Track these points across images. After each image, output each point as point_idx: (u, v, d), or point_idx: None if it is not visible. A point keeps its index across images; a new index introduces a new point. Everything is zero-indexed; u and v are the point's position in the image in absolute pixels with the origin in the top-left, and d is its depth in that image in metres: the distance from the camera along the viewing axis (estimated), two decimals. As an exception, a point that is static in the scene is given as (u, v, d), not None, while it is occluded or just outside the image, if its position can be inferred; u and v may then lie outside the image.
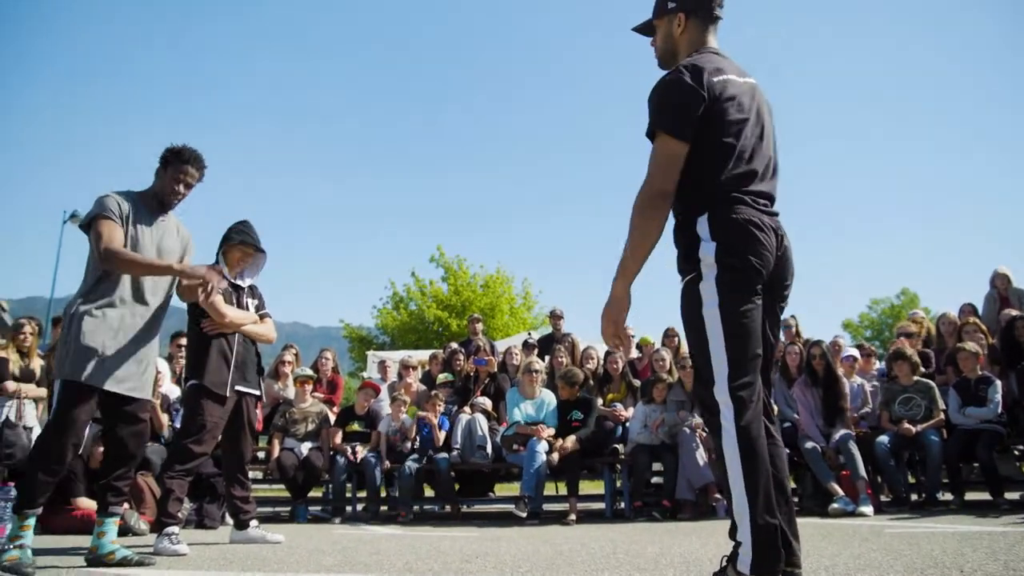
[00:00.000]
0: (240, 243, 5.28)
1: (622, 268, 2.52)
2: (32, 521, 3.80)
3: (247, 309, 5.28)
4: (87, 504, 6.35)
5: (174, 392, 7.68)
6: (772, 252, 2.49)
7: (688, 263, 2.53)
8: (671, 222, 2.60)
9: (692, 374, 7.17)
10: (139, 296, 4.17)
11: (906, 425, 6.79)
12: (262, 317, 5.39)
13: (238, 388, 5.13)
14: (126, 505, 6.46)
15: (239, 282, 5.31)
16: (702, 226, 2.48)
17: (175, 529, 4.72)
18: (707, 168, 2.50)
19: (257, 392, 5.37)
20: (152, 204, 4.34)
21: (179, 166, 4.31)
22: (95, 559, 4.01)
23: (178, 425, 6.12)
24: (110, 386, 3.96)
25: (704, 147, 2.50)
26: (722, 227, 2.46)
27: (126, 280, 4.12)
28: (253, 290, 5.46)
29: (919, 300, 43.00)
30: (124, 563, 3.96)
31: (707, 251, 2.45)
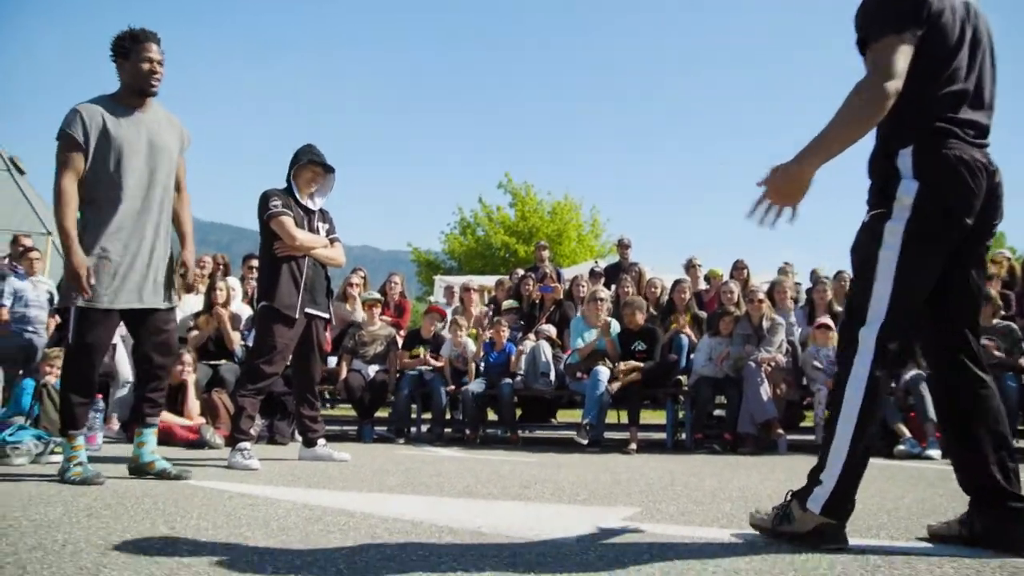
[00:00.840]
0: (309, 163, 5.32)
1: (818, 148, 2.27)
2: (82, 440, 3.95)
3: (318, 232, 5.34)
4: (168, 418, 6.60)
5: (245, 312, 7.91)
6: (980, 196, 2.29)
7: (880, 197, 2.36)
8: (859, 150, 2.36)
9: (761, 306, 7.14)
10: (134, 205, 3.98)
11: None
12: (332, 241, 5.46)
13: (308, 311, 5.22)
14: (202, 419, 6.77)
15: (310, 205, 5.36)
16: (904, 160, 2.30)
17: (247, 445, 4.91)
18: (917, 89, 2.28)
19: (326, 315, 5.45)
20: (131, 99, 4.06)
21: (141, 46, 4.00)
22: (136, 468, 4.16)
23: (250, 345, 6.29)
24: (120, 304, 3.92)
25: (918, 64, 2.28)
26: (928, 166, 2.27)
27: (117, 192, 3.94)
28: (324, 214, 5.50)
29: (1005, 239, 41.20)
30: (163, 475, 4.08)
31: (906, 191, 2.27)
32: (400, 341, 8.42)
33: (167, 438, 6.21)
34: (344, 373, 7.92)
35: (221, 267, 8.79)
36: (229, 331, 7.48)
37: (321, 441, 5.53)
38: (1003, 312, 6.98)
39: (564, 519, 3.01)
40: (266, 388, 5.29)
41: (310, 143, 5.44)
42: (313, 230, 5.31)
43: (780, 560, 2.27)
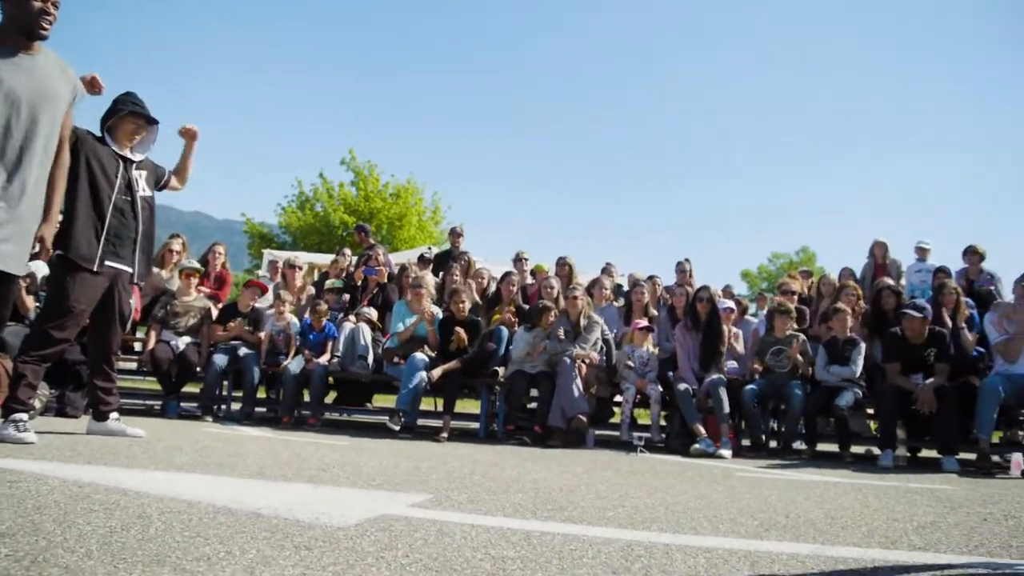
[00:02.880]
0: (130, 114, 4.93)
1: None
2: None
3: (136, 184, 4.94)
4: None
5: (42, 270, 7.31)
6: None
7: None
8: None
9: (578, 303, 7.36)
10: (11, 156, 3.61)
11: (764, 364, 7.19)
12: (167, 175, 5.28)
13: (108, 263, 4.75)
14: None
15: (128, 155, 4.95)
16: None
17: (23, 416, 4.42)
18: None
19: (129, 269, 4.94)
20: (16, 40, 3.67)
21: None
22: None
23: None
24: None
25: None
26: None
27: None
28: (146, 164, 5.12)
29: (816, 259, 44.53)
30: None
31: None
32: (216, 314, 8.06)
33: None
34: (152, 343, 7.51)
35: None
36: (22, 294, 6.87)
37: (114, 415, 5.15)
38: (794, 325, 7.53)
39: (350, 503, 2.98)
40: (54, 355, 4.73)
41: (131, 91, 5.04)
42: (131, 181, 4.90)
43: (546, 550, 2.34)
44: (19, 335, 6.65)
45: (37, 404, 5.94)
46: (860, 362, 7.05)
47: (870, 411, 7.81)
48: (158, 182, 5.21)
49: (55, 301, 4.69)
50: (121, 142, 4.93)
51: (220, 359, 7.59)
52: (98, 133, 4.91)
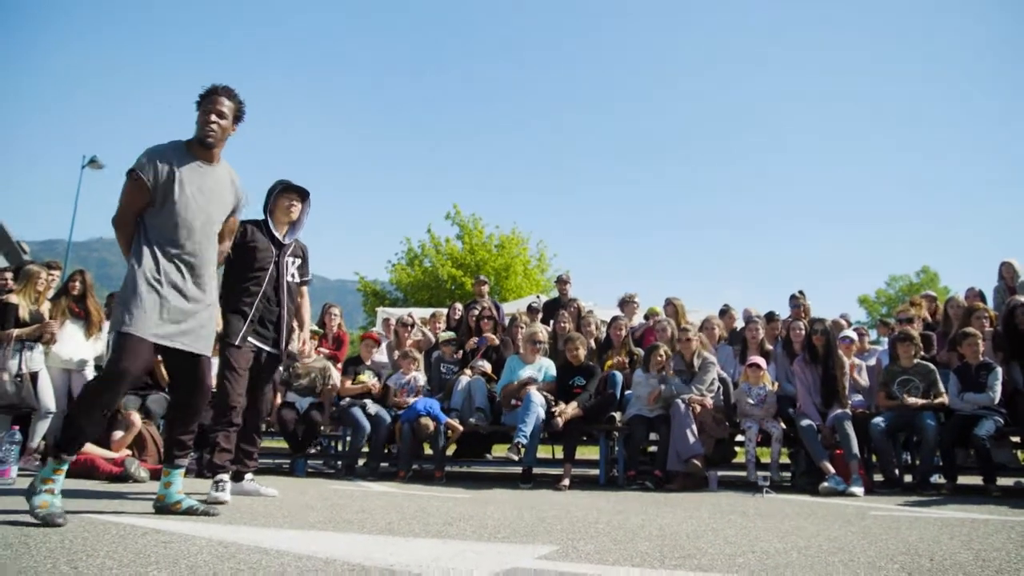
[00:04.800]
0: (283, 191, 5.42)
1: None
2: (66, 467, 3.82)
3: (287, 269, 5.38)
4: (91, 450, 6.42)
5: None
6: None
7: None
8: None
9: (692, 344, 7.26)
10: (187, 248, 4.09)
11: (909, 400, 6.80)
12: (300, 284, 5.60)
13: (252, 341, 5.22)
14: (128, 452, 6.61)
15: (280, 237, 5.40)
16: None
17: (224, 476, 5.03)
18: None
19: (273, 350, 5.37)
20: (197, 150, 4.19)
21: (208, 98, 4.16)
22: (162, 507, 4.19)
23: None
24: (162, 340, 3.94)
25: None
26: None
27: (175, 231, 4.04)
28: (300, 249, 5.58)
29: (939, 279, 42.41)
30: (190, 512, 4.14)
31: None
32: (337, 375, 8.32)
33: (90, 471, 6.05)
34: (277, 405, 7.83)
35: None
36: (160, 367, 7.33)
37: (248, 475, 5.46)
38: (922, 353, 7.21)
39: (477, 556, 3.02)
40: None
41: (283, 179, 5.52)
42: (282, 265, 5.33)
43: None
44: (160, 402, 7.10)
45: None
46: (998, 388, 6.68)
47: (1015, 440, 7.35)
48: (301, 270, 5.59)
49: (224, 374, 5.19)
50: (278, 221, 5.42)
51: (362, 419, 7.71)
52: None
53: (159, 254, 3.98)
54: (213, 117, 4.14)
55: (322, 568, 2.69)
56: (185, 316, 4.02)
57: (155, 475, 6.13)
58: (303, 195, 5.48)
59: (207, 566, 2.66)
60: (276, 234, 5.35)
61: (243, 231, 5.16)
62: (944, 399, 6.84)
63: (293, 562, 2.80)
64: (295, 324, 5.57)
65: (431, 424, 7.39)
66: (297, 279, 5.52)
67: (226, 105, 4.18)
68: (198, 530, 3.56)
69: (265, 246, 5.27)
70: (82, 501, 4.37)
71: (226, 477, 5.00)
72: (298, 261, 5.51)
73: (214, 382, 4.75)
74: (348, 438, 8.20)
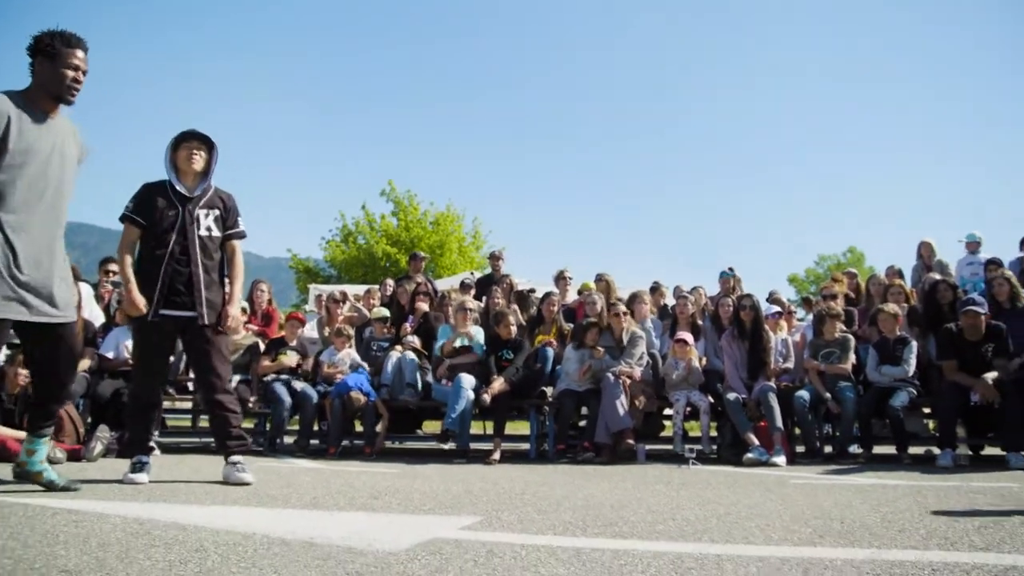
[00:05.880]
0: (182, 140, 4.85)
1: None
2: None
3: (198, 222, 4.79)
4: (2, 431, 6.15)
5: (99, 318, 7.54)
6: None
7: None
8: None
9: (621, 319, 7.33)
10: (31, 206, 3.80)
11: (815, 363, 7.18)
12: (230, 237, 4.98)
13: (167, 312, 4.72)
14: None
15: (182, 190, 4.82)
16: None
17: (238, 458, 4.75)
18: None
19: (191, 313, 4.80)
20: (44, 103, 3.88)
21: (69, 52, 3.86)
22: (22, 474, 4.06)
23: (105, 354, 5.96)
24: (18, 315, 3.74)
25: None
26: None
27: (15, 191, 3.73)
28: (218, 201, 4.94)
29: (865, 259, 43.57)
30: (50, 487, 4.01)
31: None
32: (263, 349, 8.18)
33: (1, 452, 5.82)
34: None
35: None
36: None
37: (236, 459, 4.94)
38: (843, 327, 7.44)
39: (401, 528, 3.02)
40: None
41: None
42: (187, 218, 4.75)
43: (596, 566, 2.34)
44: (80, 383, 6.89)
45: (100, 447, 6.12)
46: (912, 361, 6.93)
47: (927, 411, 7.65)
48: (222, 221, 4.97)
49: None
50: (182, 172, 4.85)
51: (284, 394, 7.57)
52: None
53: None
54: (81, 76, 3.92)
55: (241, 542, 2.65)
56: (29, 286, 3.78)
57: (73, 456, 5.95)
58: (207, 143, 4.92)
59: (119, 543, 2.60)
60: (180, 188, 4.81)
61: (142, 197, 4.77)
62: (847, 366, 7.14)
63: (211, 537, 2.75)
64: (225, 293, 4.92)
65: (361, 398, 7.35)
66: (216, 232, 4.87)
67: (86, 63, 3.93)
68: (114, 508, 3.47)
69: (165, 203, 4.74)
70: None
71: (240, 458, 4.71)
72: (214, 212, 4.87)
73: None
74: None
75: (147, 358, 4.81)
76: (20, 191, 3.75)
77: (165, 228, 4.72)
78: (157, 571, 2.20)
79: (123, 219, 4.79)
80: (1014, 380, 6.32)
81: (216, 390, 4.83)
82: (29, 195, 3.79)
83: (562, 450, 7.29)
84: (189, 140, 4.87)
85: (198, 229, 4.79)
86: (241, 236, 5.05)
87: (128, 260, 4.74)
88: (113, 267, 8.72)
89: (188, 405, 8.56)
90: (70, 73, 3.87)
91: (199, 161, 4.85)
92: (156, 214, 4.73)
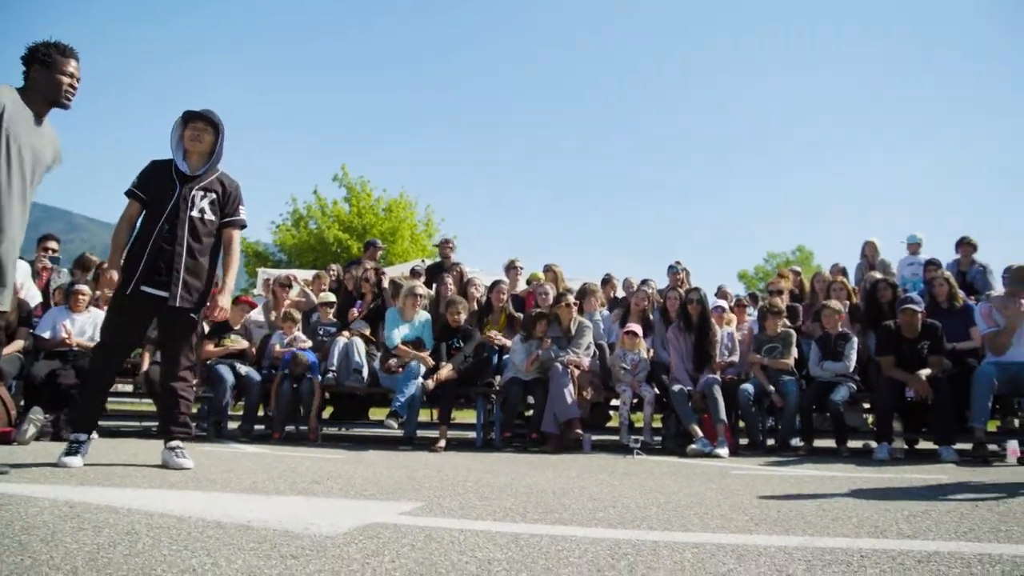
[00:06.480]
0: (187, 120, 4.79)
1: None
2: None
3: (193, 203, 4.68)
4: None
5: (36, 297, 7.33)
6: None
7: None
8: None
9: (569, 310, 7.37)
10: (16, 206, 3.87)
11: (757, 358, 7.32)
12: (224, 226, 4.87)
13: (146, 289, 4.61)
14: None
15: (184, 168, 4.76)
16: None
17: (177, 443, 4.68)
18: None
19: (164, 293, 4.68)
20: (38, 106, 4.00)
21: (64, 61, 4.02)
22: None
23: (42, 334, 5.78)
24: None
25: None
26: None
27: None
28: (220, 184, 4.86)
29: (813, 257, 44.37)
30: None
31: None
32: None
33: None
34: (146, 366, 7.49)
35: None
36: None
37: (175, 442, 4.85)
38: (787, 322, 7.57)
39: (340, 513, 2.98)
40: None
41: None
42: (181, 199, 4.65)
43: (533, 551, 2.35)
44: (12, 362, 6.69)
45: (32, 429, 5.95)
46: (853, 356, 7.09)
47: (866, 405, 7.83)
48: (219, 207, 4.86)
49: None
50: (187, 152, 4.81)
51: (227, 375, 7.47)
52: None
53: None
54: (77, 83, 4.10)
55: (174, 525, 2.59)
56: None
57: (3, 439, 5.77)
58: (213, 125, 4.81)
59: (45, 526, 2.52)
60: (182, 167, 4.73)
61: (147, 173, 4.76)
62: (790, 360, 7.29)
63: (144, 520, 2.69)
64: (216, 280, 4.90)
65: (305, 360, 7.36)
66: (209, 215, 4.75)
67: (79, 71, 4.11)
68: (43, 491, 3.38)
69: (166, 181, 4.69)
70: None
71: (180, 443, 4.65)
72: (211, 196, 4.76)
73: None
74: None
75: (114, 332, 4.72)
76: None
77: (160, 205, 4.67)
78: (84, 554, 2.14)
79: (127, 193, 4.79)
80: (946, 377, 6.51)
81: (172, 376, 4.80)
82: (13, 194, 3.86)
83: (508, 438, 7.31)
84: (195, 120, 4.81)
85: (190, 210, 4.70)
86: (240, 225, 4.97)
87: (122, 233, 4.71)
88: (52, 244, 8.49)
89: (129, 388, 8.36)
90: (66, 80, 4.04)
91: (201, 142, 4.79)
92: (156, 191, 4.70)
